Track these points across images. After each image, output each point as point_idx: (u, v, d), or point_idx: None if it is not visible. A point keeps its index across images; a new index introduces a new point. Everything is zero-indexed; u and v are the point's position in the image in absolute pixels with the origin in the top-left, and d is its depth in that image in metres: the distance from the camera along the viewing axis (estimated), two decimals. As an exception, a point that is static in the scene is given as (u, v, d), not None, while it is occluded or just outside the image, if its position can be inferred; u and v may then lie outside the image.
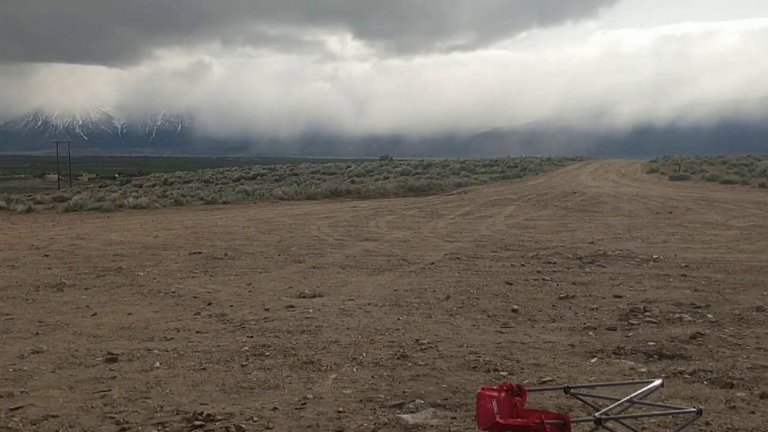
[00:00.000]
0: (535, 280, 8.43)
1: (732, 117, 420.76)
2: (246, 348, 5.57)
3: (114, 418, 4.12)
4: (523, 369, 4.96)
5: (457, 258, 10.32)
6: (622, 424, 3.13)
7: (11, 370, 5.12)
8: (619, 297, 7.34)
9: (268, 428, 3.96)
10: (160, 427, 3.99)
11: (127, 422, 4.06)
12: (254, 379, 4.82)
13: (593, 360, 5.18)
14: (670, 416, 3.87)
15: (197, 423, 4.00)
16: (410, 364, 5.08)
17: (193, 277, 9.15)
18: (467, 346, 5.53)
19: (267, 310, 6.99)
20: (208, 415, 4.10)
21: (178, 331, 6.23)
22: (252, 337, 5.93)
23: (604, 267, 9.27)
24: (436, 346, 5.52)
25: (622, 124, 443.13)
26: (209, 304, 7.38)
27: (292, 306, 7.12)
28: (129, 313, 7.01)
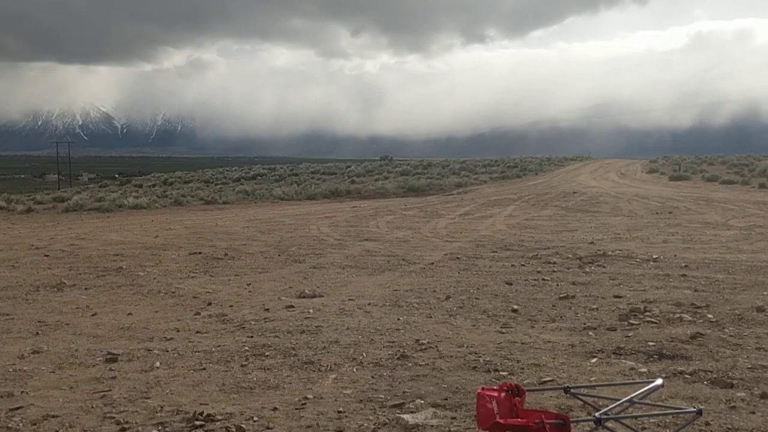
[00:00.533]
0: (535, 280, 8.43)
1: (754, 117, 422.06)
2: (246, 348, 5.56)
3: (114, 418, 4.12)
4: (523, 369, 4.96)
5: (457, 258, 10.32)
6: (622, 424, 3.13)
7: (11, 370, 5.12)
8: (619, 297, 7.34)
9: (268, 428, 3.96)
10: (160, 427, 3.99)
11: (127, 422, 4.06)
12: (254, 379, 4.82)
13: (593, 360, 5.18)
14: (670, 416, 3.87)
15: (197, 423, 4.00)
16: (410, 364, 5.08)
17: (193, 277, 9.16)
18: (467, 346, 5.53)
19: (267, 310, 6.99)
20: (208, 415, 4.10)
21: (178, 331, 6.23)
22: (252, 337, 5.93)
23: (604, 267, 9.27)
24: (436, 346, 5.52)
25: (651, 125, 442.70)
26: (209, 304, 7.38)
27: (292, 306, 7.12)
28: (129, 313, 7.02)
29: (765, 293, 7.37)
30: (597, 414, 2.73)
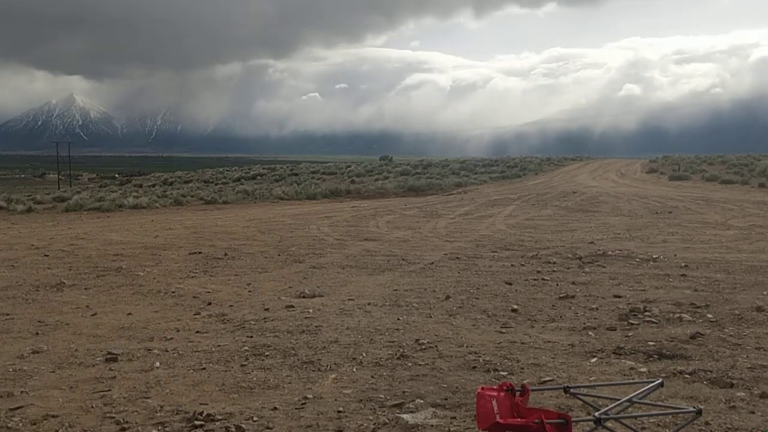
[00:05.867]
0: (535, 280, 8.43)
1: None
2: (246, 348, 5.57)
3: (114, 418, 4.12)
4: (523, 369, 4.96)
5: (457, 258, 10.32)
6: (622, 423, 3.13)
7: (11, 370, 5.12)
8: (619, 297, 7.34)
9: (268, 428, 3.96)
10: (160, 427, 3.98)
11: (127, 422, 4.05)
12: (254, 379, 4.82)
13: (593, 360, 5.18)
14: (670, 416, 3.87)
15: (197, 423, 4.00)
16: (410, 364, 5.08)
17: (193, 277, 9.15)
18: (467, 346, 5.53)
19: (267, 310, 6.99)
20: (208, 415, 4.10)
21: (178, 331, 6.23)
22: (252, 337, 5.93)
23: (604, 267, 9.27)
24: (436, 346, 5.52)
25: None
26: (209, 304, 7.38)
27: (292, 306, 7.12)
28: (129, 313, 7.01)
29: (765, 293, 7.38)
30: (597, 414, 2.74)
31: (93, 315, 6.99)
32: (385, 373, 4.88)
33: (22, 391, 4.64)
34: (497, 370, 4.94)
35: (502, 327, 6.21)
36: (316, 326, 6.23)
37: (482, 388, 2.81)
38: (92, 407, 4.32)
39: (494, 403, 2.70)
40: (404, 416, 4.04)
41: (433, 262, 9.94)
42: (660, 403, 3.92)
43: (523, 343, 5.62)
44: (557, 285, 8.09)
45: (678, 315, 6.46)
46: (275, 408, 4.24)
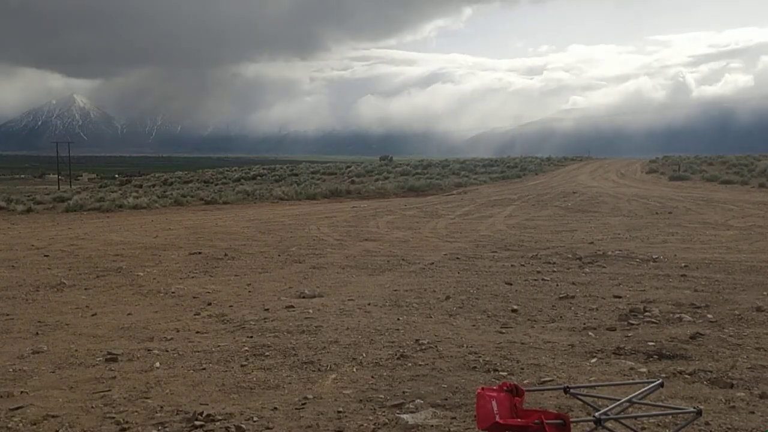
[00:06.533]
0: (535, 280, 8.43)
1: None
2: (246, 348, 5.57)
3: (114, 418, 4.12)
4: (523, 369, 4.96)
5: (457, 258, 10.32)
6: (622, 424, 3.13)
7: (11, 370, 5.12)
8: (619, 297, 7.34)
9: (268, 428, 3.96)
10: (160, 427, 3.99)
11: (127, 422, 4.06)
12: (254, 379, 4.82)
13: (593, 360, 5.18)
14: (670, 416, 3.88)
15: (197, 423, 4.00)
16: (410, 364, 5.08)
17: (193, 277, 9.16)
18: (467, 346, 5.54)
19: (267, 310, 6.99)
20: (208, 415, 4.10)
21: (178, 331, 6.23)
22: (252, 337, 5.94)
23: (604, 267, 9.27)
24: (436, 346, 5.52)
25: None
26: (209, 304, 7.39)
27: (292, 306, 7.13)
28: (129, 313, 7.02)
29: (765, 293, 7.38)
30: (597, 414, 2.74)
31: (93, 315, 6.99)
32: (385, 374, 4.88)
33: (22, 391, 4.64)
34: (497, 370, 4.94)
35: (502, 327, 6.21)
36: (316, 326, 6.24)
37: (482, 389, 2.81)
38: (92, 407, 4.32)
39: (494, 403, 2.70)
40: (404, 416, 4.04)
41: (433, 263, 9.94)
42: (660, 404, 3.92)
43: (523, 344, 5.62)
44: (557, 285, 8.09)
45: (678, 315, 6.46)
46: (275, 408, 4.24)
